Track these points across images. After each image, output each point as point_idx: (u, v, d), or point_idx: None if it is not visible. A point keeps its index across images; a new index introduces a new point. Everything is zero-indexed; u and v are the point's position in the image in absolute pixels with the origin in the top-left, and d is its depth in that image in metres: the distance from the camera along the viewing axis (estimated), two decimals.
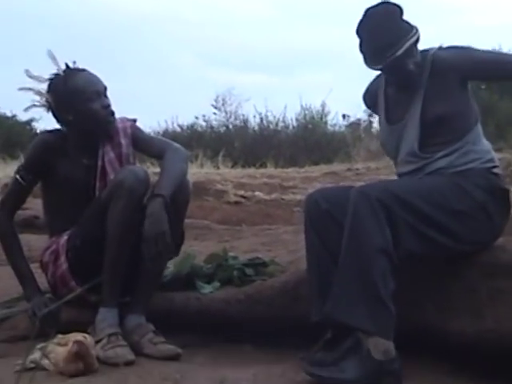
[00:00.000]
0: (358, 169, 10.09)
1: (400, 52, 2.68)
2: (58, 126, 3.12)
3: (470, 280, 2.66)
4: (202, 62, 35.52)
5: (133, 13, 37.69)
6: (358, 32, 2.77)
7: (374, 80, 3.00)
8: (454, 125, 2.74)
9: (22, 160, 3.21)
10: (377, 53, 2.71)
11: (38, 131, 16.96)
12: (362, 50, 2.78)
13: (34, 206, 5.08)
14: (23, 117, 19.38)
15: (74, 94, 3.00)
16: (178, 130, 17.75)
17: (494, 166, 2.77)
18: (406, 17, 2.74)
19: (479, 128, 2.82)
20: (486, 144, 2.82)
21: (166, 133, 17.14)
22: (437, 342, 2.70)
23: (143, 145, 3.16)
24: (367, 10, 2.76)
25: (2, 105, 19.85)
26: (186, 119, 19.42)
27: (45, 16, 35.47)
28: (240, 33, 33.85)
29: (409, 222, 2.56)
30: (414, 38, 2.72)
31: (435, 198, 2.61)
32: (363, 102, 3.09)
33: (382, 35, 2.69)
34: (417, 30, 2.73)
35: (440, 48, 2.83)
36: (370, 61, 2.76)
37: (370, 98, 3.01)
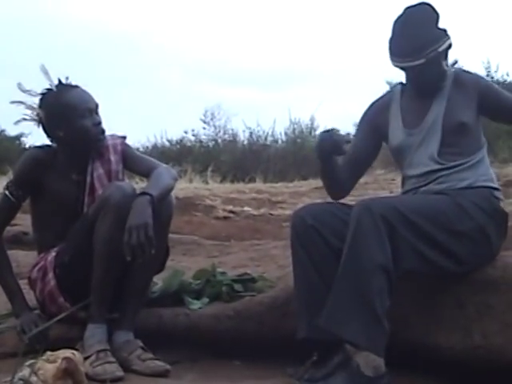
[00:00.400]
0: None
1: (442, 48, 2.74)
2: (47, 142, 3.12)
3: (458, 296, 2.67)
4: (191, 76, 35.59)
5: (121, 28, 37.77)
6: (394, 29, 2.79)
7: (382, 97, 3.00)
8: (469, 138, 2.78)
9: (10, 176, 3.20)
10: (415, 50, 2.73)
11: (26, 146, 16.90)
12: (391, 48, 2.80)
13: (23, 221, 5.05)
14: (12, 132, 19.34)
15: (66, 111, 3.00)
16: (167, 144, 17.73)
17: (497, 189, 2.80)
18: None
19: (485, 152, 2.85)
20: (490, 171, 2.85)
21: (154, 147, 17.12)
22: (425, 358, 2.71)
23: (133, 163, 3.15)
24: (407, 9, 2.80)
25: None
26: (174, 134, 19.38)
27: (35, 30, 35.50)
28: (228, 47, 33.95)
29: (410, 240, 2.55)
30: (450, 41, 2.78)
31: (438, 218, 2.61)
32: (363, 115, 3.00)
33: (423, 33, 2.73)
34: (449, 36, 2.78)
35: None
36: (403, 59, 2.76)
37: (377, 112, 2.96)
